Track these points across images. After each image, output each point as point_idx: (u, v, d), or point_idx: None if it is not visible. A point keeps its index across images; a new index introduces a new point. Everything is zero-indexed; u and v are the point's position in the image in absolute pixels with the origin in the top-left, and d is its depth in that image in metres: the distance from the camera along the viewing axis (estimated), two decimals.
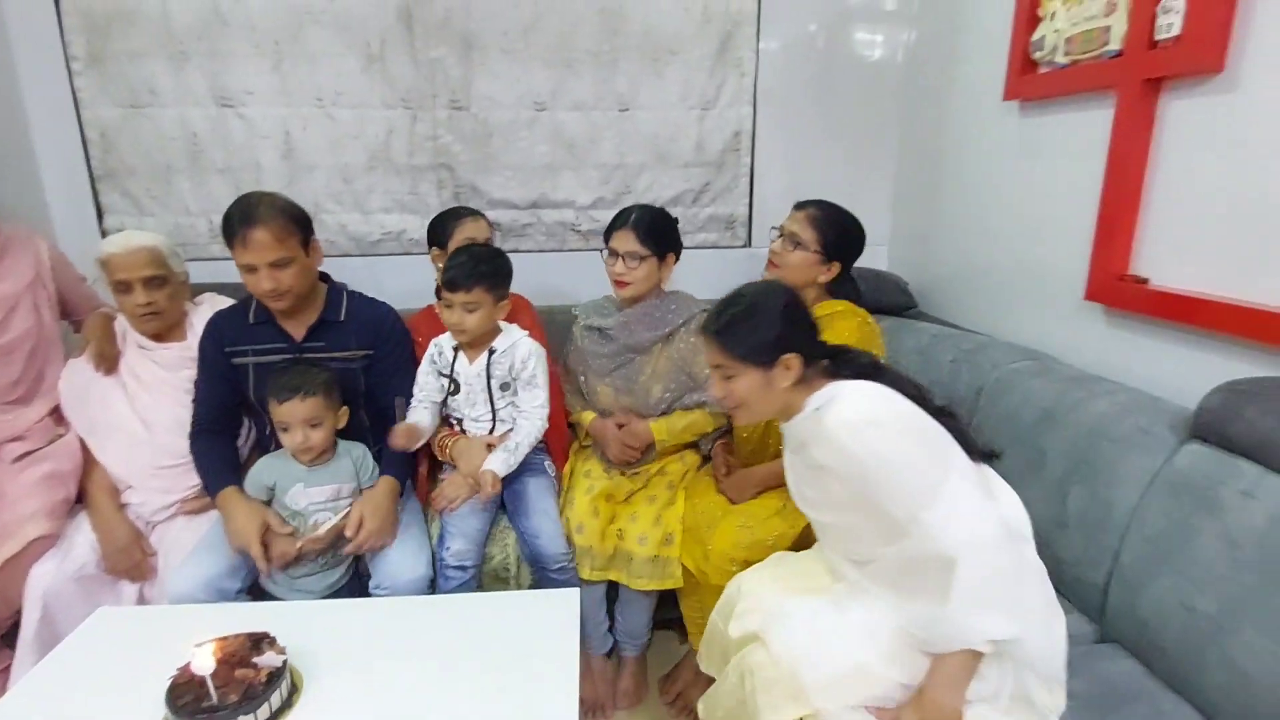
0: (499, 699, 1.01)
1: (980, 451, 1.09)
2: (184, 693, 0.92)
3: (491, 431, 1.62)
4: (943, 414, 1.07)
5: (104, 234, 2.11)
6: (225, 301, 1.71)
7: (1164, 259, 1.41)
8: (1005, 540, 0.99)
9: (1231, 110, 1.25)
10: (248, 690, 0.91)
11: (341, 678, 1.04)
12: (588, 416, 1.80)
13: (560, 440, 1.80)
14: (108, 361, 1.57)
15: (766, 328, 1.07)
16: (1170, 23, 1.31)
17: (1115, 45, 1.44)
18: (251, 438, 1.66)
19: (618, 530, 1.61)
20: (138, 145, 2.07)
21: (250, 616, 1.18)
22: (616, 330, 1.78)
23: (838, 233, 1.62)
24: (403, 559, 1.43)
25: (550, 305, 2.07)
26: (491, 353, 1.56)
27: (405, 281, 2.01)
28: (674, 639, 1.83)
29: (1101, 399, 1.35)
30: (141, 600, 1.50)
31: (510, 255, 1.60)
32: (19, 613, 1.43)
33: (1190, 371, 1.32)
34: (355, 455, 1.48)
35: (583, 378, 1.86)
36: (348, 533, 1.40)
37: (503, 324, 1.60)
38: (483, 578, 1.56)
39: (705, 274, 2.19)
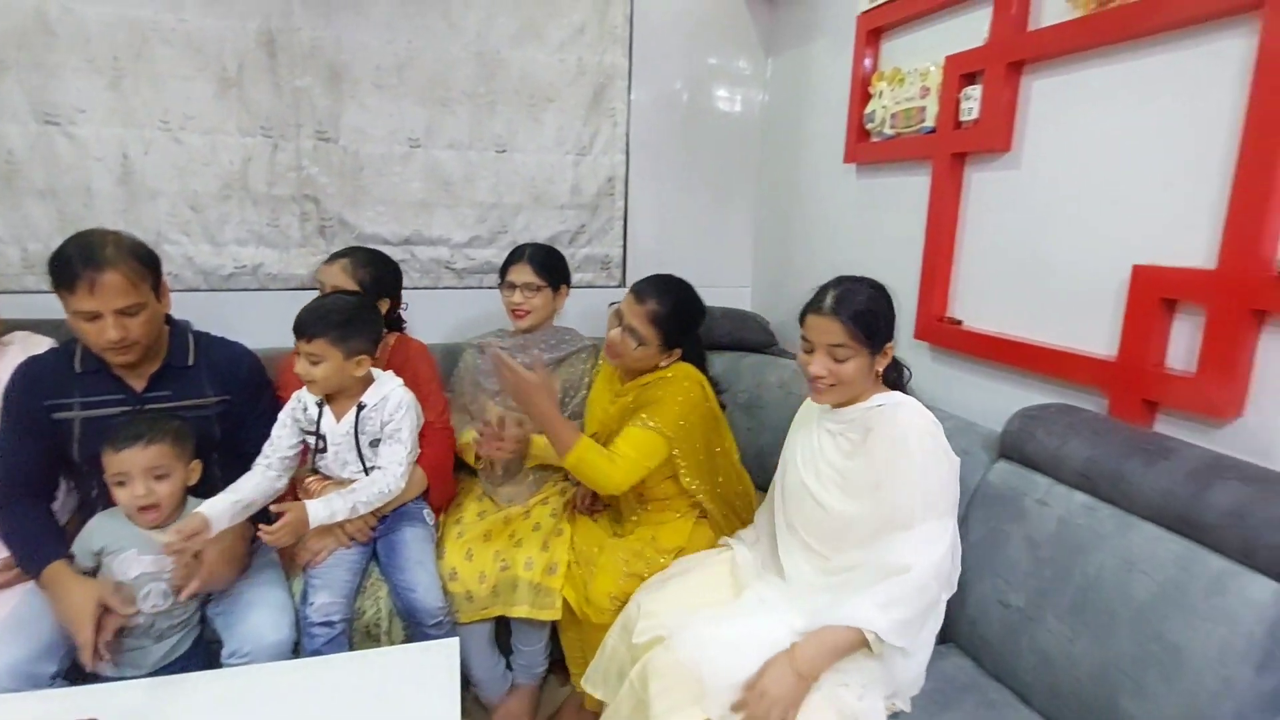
0: None
1: None
2: None
3: None
4: None
5: None
6: (40, 343, 1.52)
7: (974, 304, 1.65)
8: (946, 584, 1.17)
9: (1017, 182, 1.51)
10: None
11: None
12: (468, 435, 1.76)
13: (445, 490, 1.74)
14: None
15: (885, 318, 1.22)
16: (970, 108, 1.57)
17: (930, 123, 1.69)
18: (73, 501, 1.46)
19: (501, 560, 1.59)
20: None
21: (72, 703, 1.02)
22: (513, 348, 1.81)
23: (679, 326, 1.59)
24: (261, 620, 1.29)
25: (429, 344, 2.03)
26: (360, 408, 1.46)
27: (261, 319, 1.89)
28: (554, 683, 1.80)
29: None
30: None
31: None
32: None
33: (1000, 399, 1.54)
34: None
35: (471, 400, 1.85)
36: (176, 579, 1.23)
37: (377, 373, 1.52)
38: (353, 635, 1.46)
39: (584, 313, 2.27)
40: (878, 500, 1.19)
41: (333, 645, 1.38)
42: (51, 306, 1.28)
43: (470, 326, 2.22)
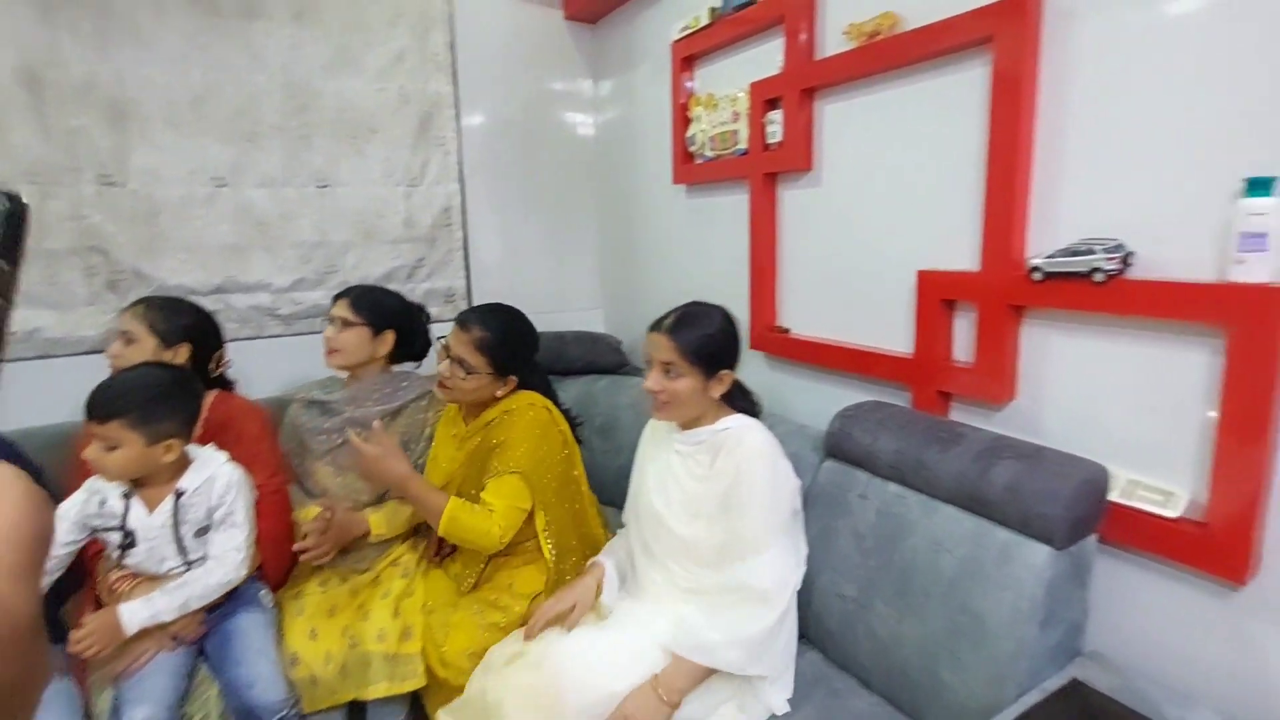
0: None
1: None
2: None
3: None
4: None
5: None
6: None
7: (799, 312, 1.75)
8: (792, 594, 1.23)
9: (820, 198, 1.62)
10: None
11: None
12: (310, 513, 1.58)
13: (283, 563, 1.57)
14: None
15: (715, 338, 1.25)
16: (774, 131, 1.67)
17: (743, 145, 1.79)
18: None
19: (350, 637, 1.46)
20: None
21: None
22: (342, 403, 1.68)
23: (508, 351, 1.54)
24: None
25: (258, 398, 1.86)
26: (179, 495, 1.29)
27: (44, 392, 1.66)
28: None
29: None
30: None
31: None
32: None
33: (828, 400, 1.64)
34: None
35: (298, 460, 1.70)
36: None
37: (195, 450, 1.35)
38: None
39: (431, 349, 2.17)
40: (727, 525, 1.23)
41: None
42: None
43: (305, 376, 2.05)
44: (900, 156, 1.41)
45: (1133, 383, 1.08)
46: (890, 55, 1.35)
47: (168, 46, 1.87)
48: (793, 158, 1.62)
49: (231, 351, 1.95)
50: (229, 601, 1.39)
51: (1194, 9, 0.96)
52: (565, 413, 1.66)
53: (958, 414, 1.36)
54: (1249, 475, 0.92)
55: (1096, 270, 1.03)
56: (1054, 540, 1.02)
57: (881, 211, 1.47)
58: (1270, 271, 0.89)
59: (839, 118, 1.54)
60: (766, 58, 1.70)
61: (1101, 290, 1.04)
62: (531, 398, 1.58)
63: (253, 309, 2.08)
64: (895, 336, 1.46)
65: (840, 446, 1.40)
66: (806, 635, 1.43)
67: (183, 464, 1.31)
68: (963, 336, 1.33)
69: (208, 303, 2.00)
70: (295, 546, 1.49)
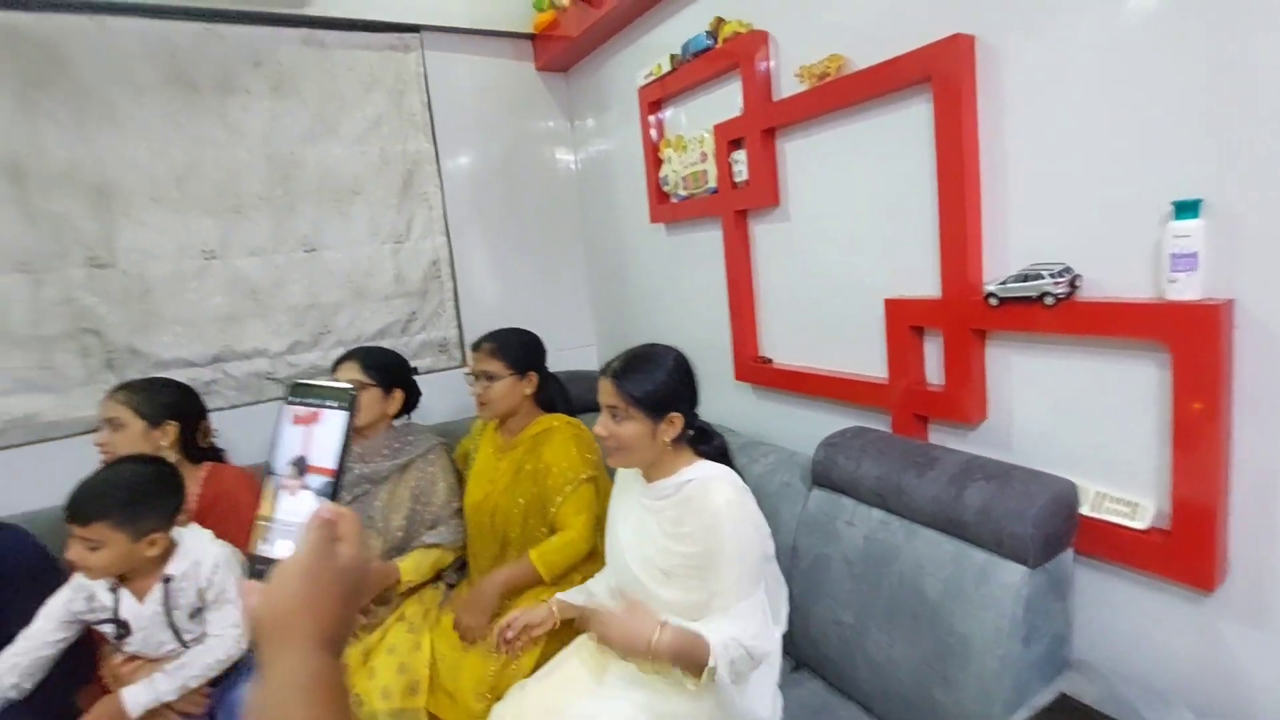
0: None
1: None
2: None
3: None
4: None
5: None
6: None
7: (780, 343, 1.80)
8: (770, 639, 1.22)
9: (789, 232, 1.68)
10: None
11: None
12: None
13: None
14: None
15: (662, 383, 1.23)
16: (740, 170, 1.73)
17: (713, 184, 1.85)
18: None
19: (357, 700, 1.49)
20: None
21: None
22: (351, 460, 1.72)
23: (519, 350, 1.76)
24: None
25: (258, 462, 1.92)
26: (168, 581, 1.31)
27: (44, 475, 1.69)
28: None
29: (759, 461, 1.65)
30: None
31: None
32: None
33: (816, 427, 1.67)
34: None
35: None
36: None
37: (179, 533, 1.37)
38: None
39: (428, 398, 2.20)
40: (702, 586, 1.19)
41: None
42: None
43: None
44: (861, 190, 1.46)
45: (1093, 399, 1.12)
46: (840, 95, 1.41)
47: (147, 127, 1.94)
48: (760, 195, 1.68)
49: (233, 418, 2.02)
50: (233, 673, 1.41)
51: (1117, 39, 1.01)
52: None
53: (936, 435, 1.40)
54: (1205, 484, 0.96)
55: (1046, 294, 1.08)
56: (1027, 559, 1.05)
57: (848, 243, 1.52)
58: (1201, 289, 0.94)
59: (800, 155, 1.60)
60: (728, 99, 1.76)
61: (1053, 312, 1.09)
62: (565, 418, 1.77)
63: (251, 375, 2.13)
64: (871, 362, 1.50)
65: (826, 474, 1.44)
66: (807, 664, 1.46)
67: (168, 550, 1.33)
68: (933, 360, 1.37)
69: (206, 373, 2.07)
70: None
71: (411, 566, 1.69)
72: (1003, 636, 1.05)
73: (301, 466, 0.54)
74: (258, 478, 1.76)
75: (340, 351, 2.13)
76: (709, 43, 1.74)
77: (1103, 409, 1.11)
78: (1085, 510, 1.12)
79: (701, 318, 2.05)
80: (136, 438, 1.55)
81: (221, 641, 1.34)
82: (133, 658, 1.35)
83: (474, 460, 1.86)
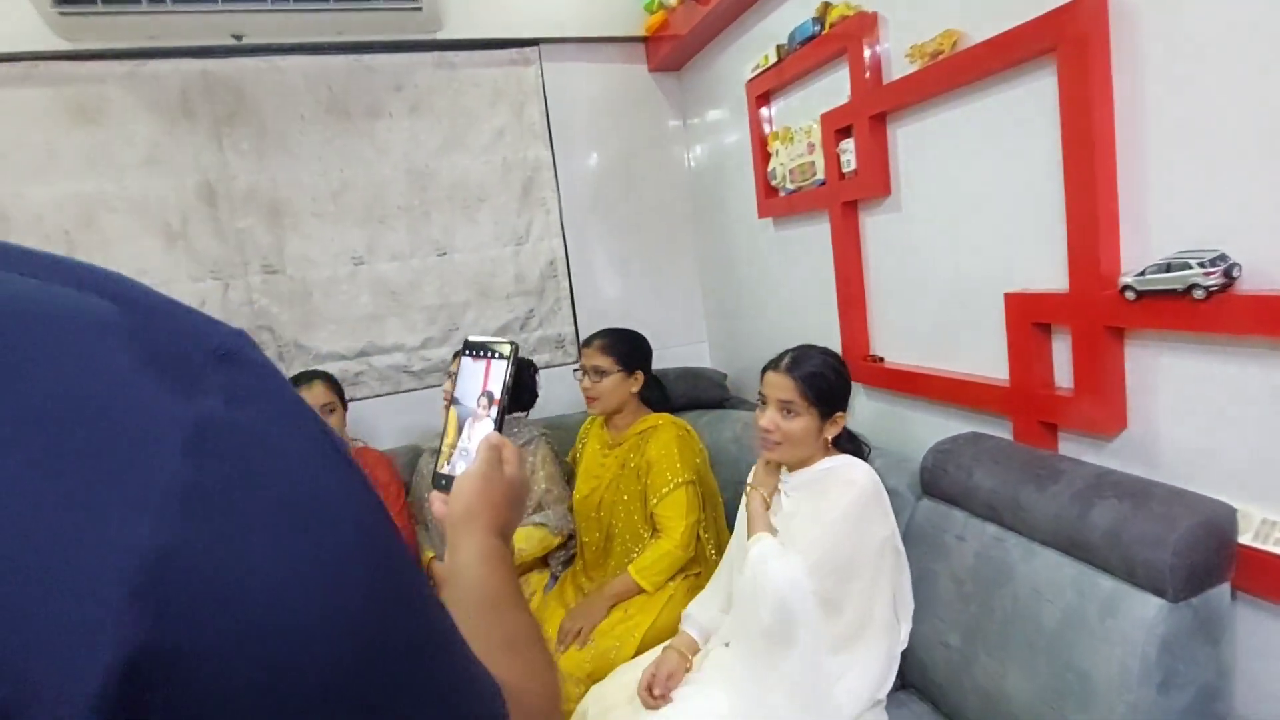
0: None
1: None
2: None
3: None
4: None
5: None
6: None
7: (891, 341, 1.69)
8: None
9: (902, 223, 1.57)
10: None
11: None
12: (425, 556, 1.81)
13: None
14: None
15: (836, 386, 1.29)
16: (849, 159, 1.65)
17: (821, 176, 1.77)
18: None
19: None
20: None
21: None
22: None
23: (628, 347, 1.82)
24: None
25: (394, 447, 2.19)
26: None
27: None
28: None
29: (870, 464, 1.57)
30: None
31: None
32: None
33: (931, 431, 1.56)
34: None
35: (427, 500, 1.92)
36: None
37: None
38: None
39: (547, 392, 2.32)
40: (817, 570, 1.22)
41: None
42: None
43: (436, 423, 2.30)
44: (978, 175, 1.34)
45: (1262, 410, 0.95)
46: (954, 74, 1.30)
47: (309, 150, 2.21)
48: (870, 184, 1.59)
49: (374, 406, 2.27)
50: None
51: None
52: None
53: (1066, 447, 1.25)
54: None
55: (1194, 287, 0.93)
56: (1166, 591, 0.91)
57: (965, 233, 1.40)
58: None
59: (912, 140, 1.49)
60: (836, 87, 1.68)
61: (1204, 308, 0.93)
62: (670, 417, 1.82)
63: (391, 368, 2.36)
64: (991, 363, 1.37)
65: (936, 483, 1.33)
66: (914, 685, 1.36)
67: None
68: (1063, 362, 1.23)
69: (354, 365, 2.32)
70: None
71: (522, 535, 1.81)
72: (1132, 679, 0.92)
73: (489, 398, 0.68)
74: (395, 461, 2.00)
75: None
76: (816, 29, 1.67)
77: (1274, 420, 0.93)
78: (1248, 539, 0.95)
79: (810, 315, 1.98)
80: (339, 421, 1.90)
81: None
82: None
83: (582, 457, 1.93)
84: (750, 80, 2.00)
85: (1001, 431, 1.36)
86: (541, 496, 1.89)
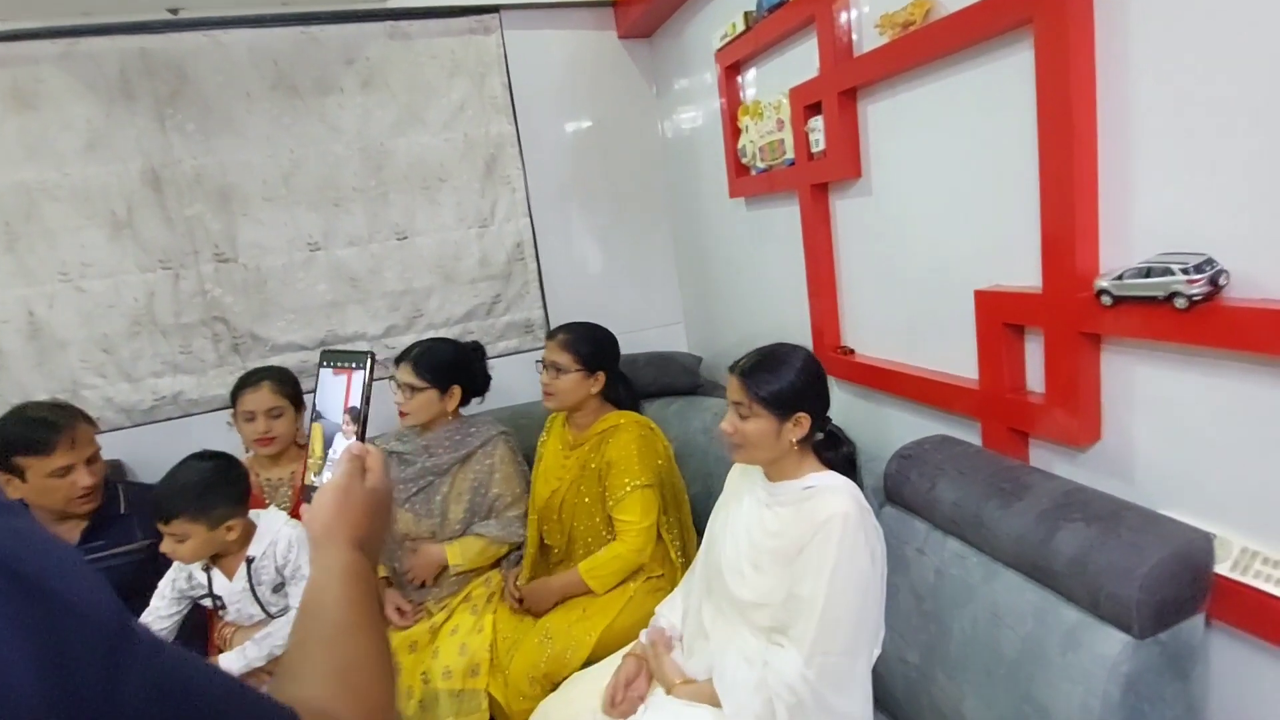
0: None
1: None
2: None
3: None
4: None
5: None
6: None
7: (862, 332, 1.60)
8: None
9: (872, 208, 1.46)
10: None
11: None
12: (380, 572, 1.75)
13: None
14: None
15: (790, 383, 1.19)
16: (817, 139, 1.53)
17: (790, 155, 1.65)
18: None
19: (423, 672, 1.57)
20: None
21: None
22: (416, 454, 1.80)
23: (590, 348, 1.73)
24: None
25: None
26: (249, 561, 1.43)
27: (190, 445, 1.91)
28: None
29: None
30: None
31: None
32: None
33: (903, 432, 1.48)
34: None
35: None
36: None
37: (256, 515, 1.49)
38: None
39: (514, 379, 2.25)
40: (784, 584, 1.16)
41: None
42: None
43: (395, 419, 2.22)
44: (952, 158, 1.23)
45: (1247, 429, 0.86)
46: (926, 46, 1.18)
47: (258, 131, 2.09)
48: (839, 166, 1.48)
49: None
50: None
51: None
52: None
53: (1038, 455, 1.17)
54: None
55: (1176, 295, 0.83)
56: (1132, 627, 0.84)
57: (937, 221, 1.29)
58: None
59: (884, 119, 1.38)
60: (806, 59, 1.55)
61: (1187, 317, 0.84)
62: (634, 416, 1.74)
63: None
64: (961, 362, 1.28)
65: (898, 491, 1.26)
66: (875, 698, 1.31)
67: (250, 531, 1.46)
68: (1035, 365, 1.13)
69: (313, 356, 2.23)
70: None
71: (458, 550, 1.72)
72: (1093, 718, 0.85)
73: (353, 414, 0.69)
74: None
75: (432, 334, 2.22)
76: None
77: (1259, 442, 0.85)
78: (1226, 570, 0.87)
79: (781, 301, 1.88)
80: (289, 423, 1.85)
81: None
82: (231, 626, 1.51)
83: (542, 457, 1.85)
84: (719, 50, 1.87)
85: (971, 435, 1.27)
86: (492, 503, 1.80)
